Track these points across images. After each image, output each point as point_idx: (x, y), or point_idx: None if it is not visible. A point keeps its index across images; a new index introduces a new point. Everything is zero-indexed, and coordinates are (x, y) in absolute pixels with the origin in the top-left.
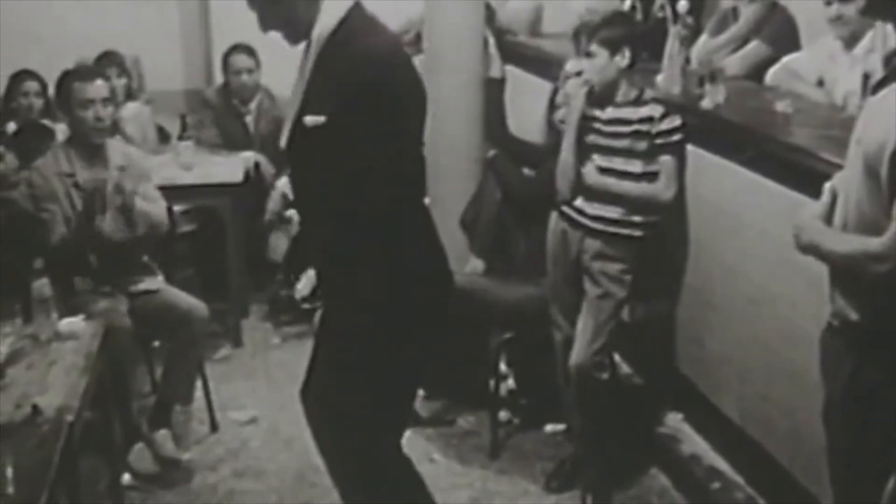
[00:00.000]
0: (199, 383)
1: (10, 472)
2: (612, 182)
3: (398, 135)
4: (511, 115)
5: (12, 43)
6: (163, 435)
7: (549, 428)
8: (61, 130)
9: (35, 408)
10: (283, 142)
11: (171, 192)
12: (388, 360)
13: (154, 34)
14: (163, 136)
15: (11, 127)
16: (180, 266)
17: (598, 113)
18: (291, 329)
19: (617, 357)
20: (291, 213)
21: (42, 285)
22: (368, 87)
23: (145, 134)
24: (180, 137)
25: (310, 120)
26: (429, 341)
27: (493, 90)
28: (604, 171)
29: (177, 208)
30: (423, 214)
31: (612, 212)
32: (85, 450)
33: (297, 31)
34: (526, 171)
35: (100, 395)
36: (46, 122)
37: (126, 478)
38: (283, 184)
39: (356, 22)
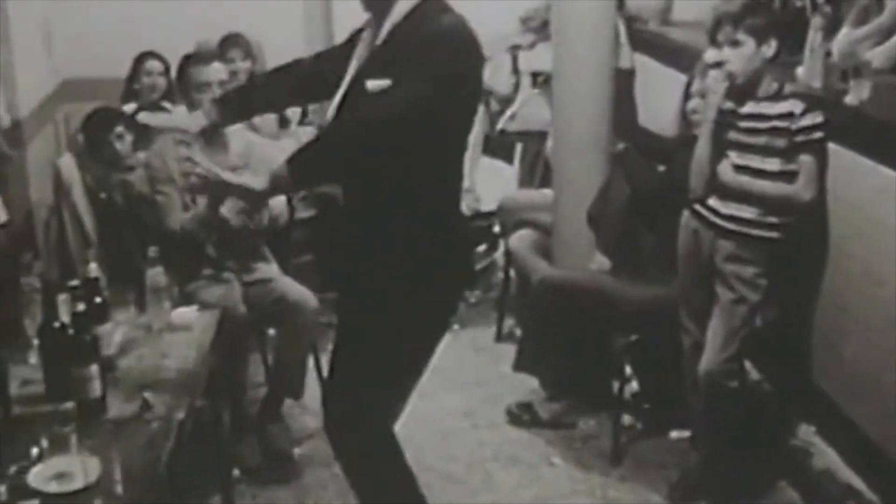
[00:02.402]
0: (314, 376)
1: (118, 471)
2: (747, 181)
3: (450, 107)
4: (640, 107)
5: (135, 26)
6: (274, 429)
7: (673, 434)
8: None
9: (145, 402)
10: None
11: None
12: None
13: (277, 20)
14: (283, 121)
15: (131, 108)
16: (298, 252)
17: (736, 107)
18: None
19: (747, 363)
20: None
21: (156, 274)
22: (436, 58)
23: (265, 119)
24: (301, 123)
25: (372, 84)
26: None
27: (623, 81)
28: (740, 168)
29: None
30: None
31: (748, 212)
32: (195, 443)
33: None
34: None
35: (212, 386)
36: (166, 104)
37: (236, 472)
38: None
39: (429, 6)
